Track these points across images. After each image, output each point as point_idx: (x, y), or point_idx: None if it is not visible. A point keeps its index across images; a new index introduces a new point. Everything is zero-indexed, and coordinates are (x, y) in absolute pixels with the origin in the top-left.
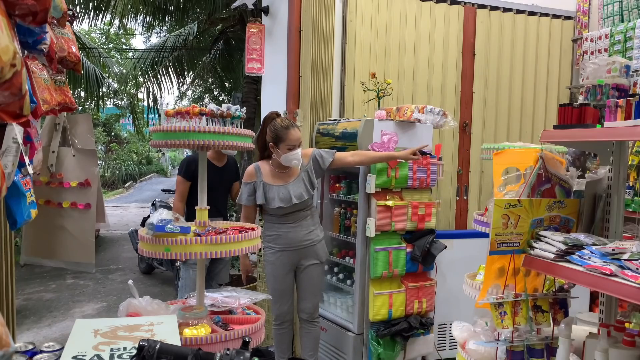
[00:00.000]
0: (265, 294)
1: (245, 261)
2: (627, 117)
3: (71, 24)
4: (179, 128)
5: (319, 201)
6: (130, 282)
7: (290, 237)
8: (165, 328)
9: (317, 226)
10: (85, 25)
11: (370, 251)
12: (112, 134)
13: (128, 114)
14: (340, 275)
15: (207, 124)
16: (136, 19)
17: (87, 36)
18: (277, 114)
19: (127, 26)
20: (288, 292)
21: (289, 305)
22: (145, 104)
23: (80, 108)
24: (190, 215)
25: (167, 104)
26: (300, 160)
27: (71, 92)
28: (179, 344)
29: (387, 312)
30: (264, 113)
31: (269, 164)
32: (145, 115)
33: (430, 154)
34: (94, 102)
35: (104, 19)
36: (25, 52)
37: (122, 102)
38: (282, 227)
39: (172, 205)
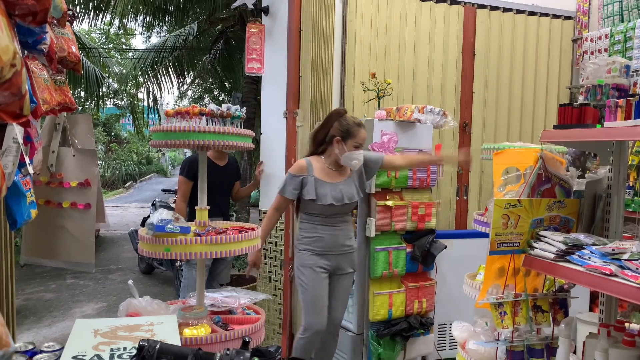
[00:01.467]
0: (265, 294)
1: (259, 254)
2: (627, 117)
3: (71, 24)
4: (179, 128)
5: None
6: (130, 282)
7: (331, 240)
8: (165, 328)
9: (353, 233)
10: (85, 25)
11: (370, 251)
12: (112, 134)
13: (128, 114)
14: None
15: (207, 124)
16: (136, 19)
17: (87, 36)
18: (345, 111)
19: (127, 26)
20: (325, 298)
21: (326, 313)
22: (145, 104)
23: (80, 108)
24: (193, 216)
25: (167, 104)
26: (361, 161)
27: (71, 92)
28: (179, 344)
29: (387, 312)
30: (264, 113)
31: (320, 161)
32: (145, 115)
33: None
34: (94, 102)
35: (104, 19)
36: (25, 52)
37: (122, 102)
38: (325, 229)
39: (172, 205)
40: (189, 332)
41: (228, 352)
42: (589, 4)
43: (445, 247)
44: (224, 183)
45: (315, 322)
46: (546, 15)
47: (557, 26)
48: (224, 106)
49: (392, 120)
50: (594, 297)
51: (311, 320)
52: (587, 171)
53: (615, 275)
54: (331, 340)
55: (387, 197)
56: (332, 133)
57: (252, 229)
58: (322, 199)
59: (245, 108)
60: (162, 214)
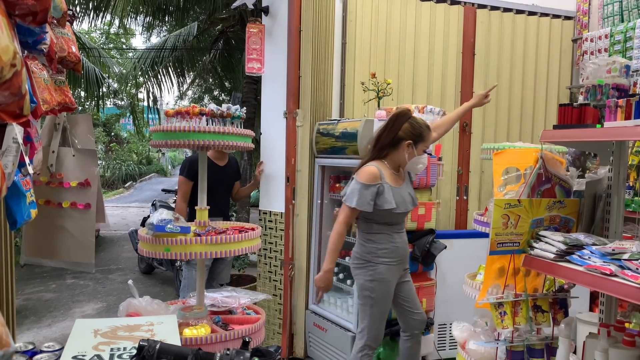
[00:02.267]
0: (265, 294)
1: (330, 275)
2: (627, 117)
3: (71, 24)
4: (179, 128)
5: (319, 201)
6: (130, 282)
7: (403, 248)
8: (165, 328)
9: None
10: (85, 25)
11: None
12: (112, 134)
13: (128, 114)
14: (340, 275)
15: (207, 124)
16: (136, 19)
17: (87, 36)
18: (410, 111)
19: (127, 26)
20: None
21: None
22: (145, 104)
23: (80, 108)
24: (193, 216)
25: (167, 104)
26: (425, 164)
27: (71, 92)
28: (179, 344)
29: None
30: (264, 113)
31: (385, 166)
32: (145, 115)
33: (430, 154)
34: (94, 102)
35: (104, 19)
36: (25, 52)
37: (122, 102)
38: (398, 237)
39: (172, 205)
40: (189, 332)
41: (228, 352)
42: (589, 4)
43: (445, 247)
44: (224, 183)
45: (381, 336)
46: (546, 15)
47: (557, 26)
48: (224, 106)
49: None
50: (594, 297)
51: (377, 334)
52: (587, 171)
53: (615, 275)
54: (418, 339)
55: None
56: (402, 136)
57: (252, 229)
58: (401, 206)
59: (245, 108)
60: (162, 214)
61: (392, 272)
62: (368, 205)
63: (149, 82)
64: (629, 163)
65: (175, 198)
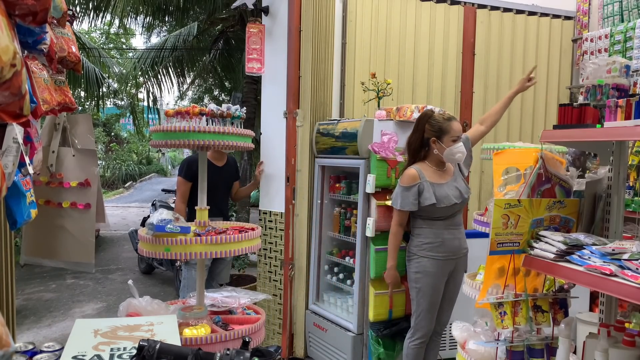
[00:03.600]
0: (265, 294)
1: (395, 272)
2: (627, 117)
3: (71, 24)
4: (179, 128)
5: (319, 201)
6: (130, 282)
7: (453, 245)
8: (165, 328)
9: None
10: (85, 25)
11: (370, 251)
12: (112, 134)
13: (128, 114)
14: (340, 275)
15: (207, 124)
16: (136, 19)
17: (87, 36)
18: (432, 110)
19: (127, 26)
20: (439, 303)
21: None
22: (145, 104)
23: (80, 108)
24: (192, 216)
25: (167, 104)
26: (464, 153)
27: (71, 92)
28: (179, 344)
29: (387, 312)
30: (264, 113)
31: (426, 165)
32: (145, 115)
33: None
34: (94, 102)
35: (104, 19)
36: (25, 52)
37: (122, 102)
38: (445, 232)
39: (172, 205)
40: (189, 332)
41: (228, 352)
42: (589, 4)
43: None
44: (222, 183)
45: (430, 326)
46: (546, 15)
47: (557, 26)
48: (224, 106)
49: (392, 120)
50: (594, 297)
51: (427, 325)
52: (587, 171)
53: (615, 275)
54: (438, 338)
55: (387, 197)
56: (427, 136)
57: (252, 229)
58: (444, 201)
59: (245, 108)
60: (162, 214)
61: (437, 266)
62: (412, 205)
63: (149, 82)
64: (629, 163)
65: (175, 198)
